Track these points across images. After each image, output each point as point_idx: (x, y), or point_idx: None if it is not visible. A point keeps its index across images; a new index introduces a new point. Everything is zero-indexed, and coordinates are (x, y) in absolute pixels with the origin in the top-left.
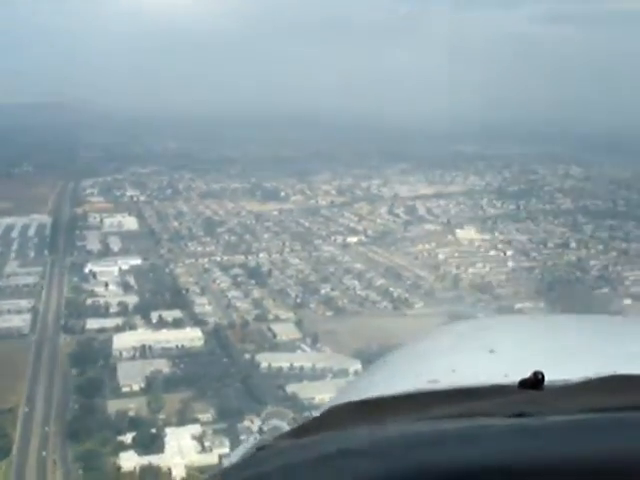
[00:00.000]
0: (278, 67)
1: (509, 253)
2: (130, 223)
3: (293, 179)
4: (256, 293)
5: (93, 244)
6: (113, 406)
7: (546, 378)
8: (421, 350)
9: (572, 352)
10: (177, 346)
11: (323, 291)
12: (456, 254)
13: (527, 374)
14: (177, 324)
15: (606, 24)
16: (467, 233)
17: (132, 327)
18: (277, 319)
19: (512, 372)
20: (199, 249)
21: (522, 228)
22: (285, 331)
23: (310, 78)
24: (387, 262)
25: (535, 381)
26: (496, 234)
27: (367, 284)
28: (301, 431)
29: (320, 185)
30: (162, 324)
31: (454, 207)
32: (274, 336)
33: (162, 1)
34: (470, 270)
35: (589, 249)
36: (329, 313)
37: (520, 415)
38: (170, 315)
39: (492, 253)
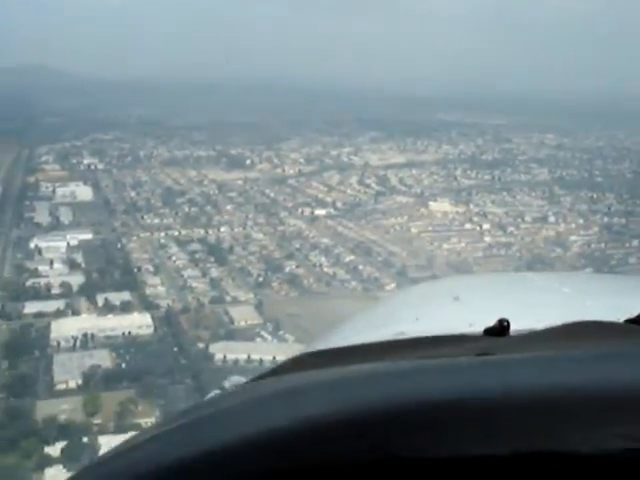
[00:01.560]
0: (251, 29)
1: (485, 227)
2: (84, 193)
3: (261, 146)
4: (215, 272)
5: (42, 216)
6: (43, 408)
7: (513, 328)
8: (388, 307)
9: (539, 304)
10: (123, 334)
11: (287, 269)
12: (430, 228)
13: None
14: (125, 308)
15: None
16: (441, 205)
17: (75, 312)
18: (236, 301)
19: (478, 322)
20: (156, 222)
21: (498, 200)
22: (244, 315)
23: (285, 42)
24: (357, 237)
25: (500, 328)
26: (471, 206)
27: (335, 261)
28: (258, 379)
29: (288, 153)
30: (108, 308)
31: (427, 177)
32: (231, 321)
33: None
34: (445, 246)
35: (568, 223)
36: (293, 294)
37: (483, 354)
38: (118, 298)
39: (467, 227)
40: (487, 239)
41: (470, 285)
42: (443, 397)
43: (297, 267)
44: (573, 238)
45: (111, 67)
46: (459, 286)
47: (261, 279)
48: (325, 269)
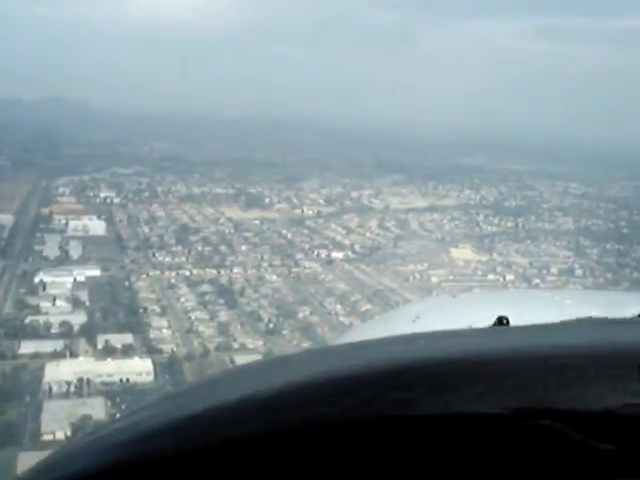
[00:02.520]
0: (275, 70)
1: (509, 278)
2: (97, 227)
3: (280, 185)
4: (224, 315)
5: (51, 249)
6: (25, 461)
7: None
8: (389, 317)
9: (539, 308)
10: (121, 380)
11: (301, 315)
12: (451, 277)
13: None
14: (126, 351)
15: (603, 40)
16: (462, 252)
17: (73, 353)
18: (243, 348)
19: (476, 323)
20: (167, 260)
21: (522, 249)
22: None
23: (309, 83)
24: (375, 283)
25: (501, 325)
26: (494, 255)
27: (351, 309)
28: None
29: (308, 193)
30: (108, 351)
31: (448, 222)
32: None
33: (160, 4)
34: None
35: (597, 277)
36: (305, 343)
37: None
38: (120, 340)
39: (490, 277)
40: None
41: (475, 304)
42: (441, 358)
43: (311, 314)
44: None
45: (135, 100)
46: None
47: (272, 325)
48: (340, 318)
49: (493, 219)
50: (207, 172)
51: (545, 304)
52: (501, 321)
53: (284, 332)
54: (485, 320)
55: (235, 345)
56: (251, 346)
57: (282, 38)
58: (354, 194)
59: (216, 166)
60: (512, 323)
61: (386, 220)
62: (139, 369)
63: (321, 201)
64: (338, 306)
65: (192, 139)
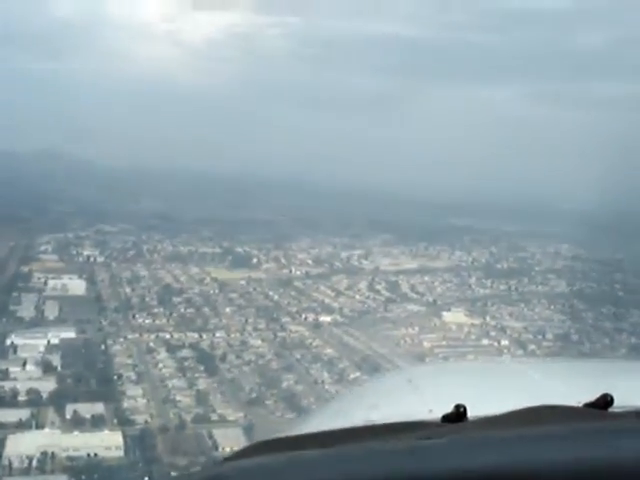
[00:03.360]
0: (265, 131)
1: (504, 343)
2: (76, 287)
3: (269, 245)
4: (203, 383)
5: (27, 310)
6: None
7: (473, 413)
8: (348, 399)
9: (496, 389)
10: (88, 455)
11: (285, 384)
12: (443, 342)
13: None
14: (96, 423)
15: (593, 106)
16: (455, 316)
17: (39, 424)
18: (223, 421)
19: (436, 409)
20: (147, 322)
21: (516, 313)
22: (230, 439)
23: (298, 144)
24: (364, 349)
25: (458, 414)
26: (487, 319)
27: (339, 377)
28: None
29: (297, 253)
30: (76, 422)
31: (440, 285)
32: (215, 447)
33: (155, 59)
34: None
35: (593, 343)
36: (289, 415)
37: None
38: (90, 410)
39: (484, 342)
40: (506, 358)
41: (429, 373)
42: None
43: (296, 383)
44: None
45: (127, 155)
46: (418, 375)
47: (254, 395)
48: (327, 386)
49: (485, 281)
50: (195, 231)
51: (509, 379)
52: (458, 409)
53: (267, 403)
54: (445, 401)
55: (214, 416)
56: (231, 418)
57: (273, 100)
58: (344, 254)
59: (204, 225)
60: (473, 405)
61: (376, 282)
62: (108, 443)
63: (310, 261)
64: (325, 374)
65: (182, 196)
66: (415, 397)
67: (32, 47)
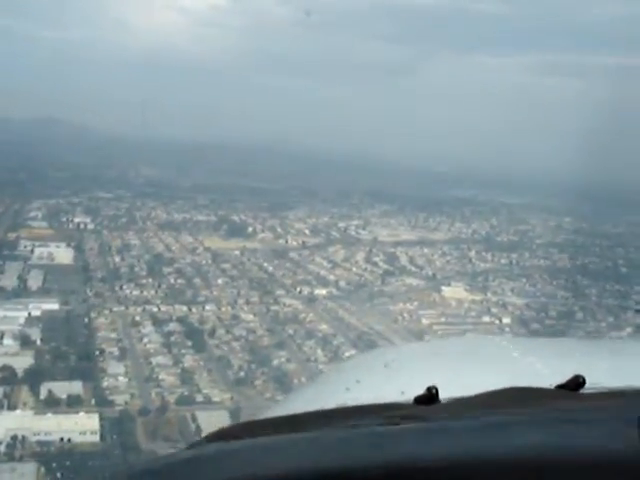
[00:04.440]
0: (266, 98)
1: (505, 321)
2: (63, 255)
3: (265, 213)
4: (189, 360)
5: (10, 279)
6: None
7: (445, 395)
8: (323, 380)
9: (470, 370)
10: (61, 440)
11: (276, 362)
12: (443, 319)
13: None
14: (72, 403)
15: (603, 77)
16: (455, 291)
17: (11, 405)
18: (208, 402)
19: (409, 391)
20: (135, 293)
21: (517, 288)
22: (214, 424)
23: (298, 111)
24: (360, 325)
25: (430, 396)
26: (488, 294)
27: (333, 354)
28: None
29: (293, 222)
30: (51, 403)
31: (439, 258)
32: (198, 430)
33: (156, 26)
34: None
35: (598, 321)
36: (279, 397)
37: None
38: (67, 389)
39: (485, 319)
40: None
41: (404, 354)
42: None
43: (287, 361)
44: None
45: (128, 124)
46: (395, 355)
47: (242, 374)
48: (321, 366)
49: (486, 255)
50: (191, 198)
51: (486, 359)
52: (430, 391)
53: (256, 382)
54: (419, 382)
55: (199, 397)
56: (216, 399)
57: (275, 68)
58: (341, 224)
59: (201, 192)
60: (446, 387)
61: (374, 254)
62: (83, 426)
63: (307, 231)
64: (319, 351)
65: (180, 164)
66: (389, 379)
67: (35, 16)
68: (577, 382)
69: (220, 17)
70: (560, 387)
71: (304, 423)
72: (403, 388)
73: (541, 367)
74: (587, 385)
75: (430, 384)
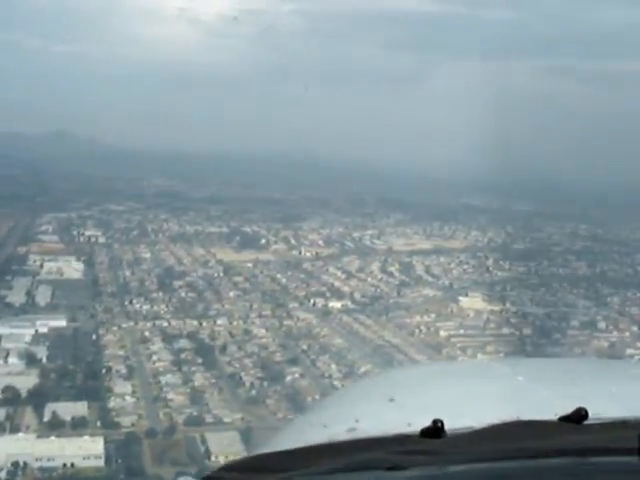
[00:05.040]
0: (277, 108)
1: (526, 332)
2: (73, 270)
3: (278, 224)
4: (199, 378)
5: (17, 295)
6: None
7: (450, 425)
8: (331, 404)
9: (475, 398)
10: (64, 465)
11: (289, 378)
12: (461, 331)
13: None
14: (77, 425)
15: (608, 82)
16: (473, 302)
17: (14, 427)
18: (218, 423)
19: (415, 421)
20: (145, 308)
21: (537, 298)
22: (225, 446)
23: (310, 121)
24: (376, 338)
25: (435, 429)
26: (507, 304)
27: (349, 370)
28: None
29: (307, 233)
30: (55, 425)
31: (456, 267)
32: (207, 455)
33: (165, 39)
34: (481, 357)
35: (621, 331)
36: (291, 416)
37: (419, 464)
38: (72, 411)
39: (505, 331)
40: (529, 349)
41: (407, 380)
42: None
43: (301, 377)
44: (630, 352)
45: (141, 136)
46: (396, 382)
47: (254, 392)
48: (335, 382)
49: (503, 263)
50: (203, 209)
51: (490, 384)
52: (435, 424)
53: (268, 401)
54: (424, 411)
55: (209, 418)
56: (227, 419)
57: (290, 78)
58: (355, 234)
59: (213, 203)
60: (452, 417)
61: (389, 264)
62: (87, 450)
63: (320, 242)
64: (333, 366)
65: (193, 175)
66: (396, 407)
67: (45, 31)
68: (580, 414)
69: (230, 28)
70: (563, 419)
71: (311, 458)
72: (410, 418)
73: (545, 394)
74: (590, 415)
75: (436, 413)
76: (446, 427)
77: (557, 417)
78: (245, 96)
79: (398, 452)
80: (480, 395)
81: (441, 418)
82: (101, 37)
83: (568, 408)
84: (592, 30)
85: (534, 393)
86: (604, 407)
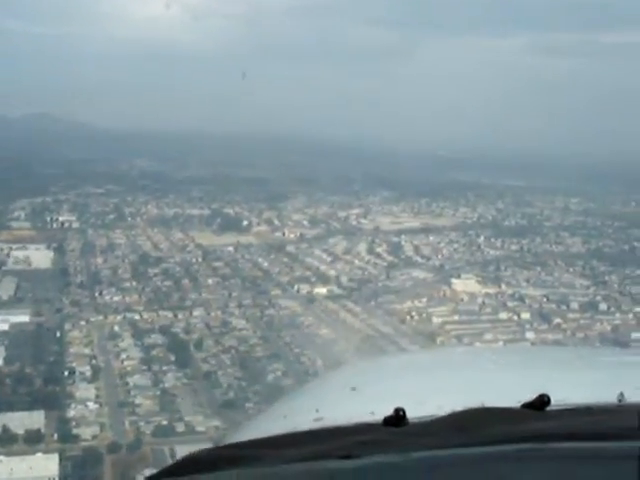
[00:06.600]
0: (263, 86)
1: (524, 317)
2: (42, 259)
3: (261, 205)
4: (171, 379)
5: None
6: None
7: (414, 413)
8: (294, 397)
9: (438, 387)
10: None
11: (271, 376)
12: (456, 317)
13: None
14: (30, 440)
15: (603, 56)
16: (466, 284)
17: None
18: (191, 432)
19: (378, 410)
20: (115, 299)
21: (533, 278)
22: None
23: (295, 98)
24: (364, 327)
25: (397, 417)
26: (502, 286)
27: (335, 364)
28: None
29: (291, 213)
30: (6, 441)
31: (446, 246)
32: None
33: (149, 19)
34: (478, 345)
35: (624, 313)
36: None
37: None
38: (26, 422)
39: (502, 316)
40: (530, 335)
41: (371, 371)
42: None
43: (284, 374)
44: (636, 335)
45: (126, 117)
46: (360, 373)
47: (232, 394)
48: None
49: (495, 241)
50: (184, 191)
51: (455, 373)
52: (397, 412)
53: (247, 405)
54: (387, 400)
55: (179, 427)
56: (200, 428)
57: (272, 57)
58: (341, 213)
59: (195, 184)
60: (415, 405)
61: (376, 244)
62: (37, 471)
63: (305, 222)
64: (319, 361)
65: (176, 156)
66: (359, 397)
67: (27, 13)
68: (542, 401)
69: (215, 6)
70: (526, 406)
71: (272, 447)
72: (372, 407)
73: (508, 381)
74: (553, 402)
75: (399, 401)
76: (409, 415)
77: (520, 404)
78: (228, 75)
79: (358, 441)
80: (444, 383)
81: (404, 407)
82: (83, 18)
83: (531, 395)
84: (581, 1)
85: (498, 380)
86: (567, 394)
